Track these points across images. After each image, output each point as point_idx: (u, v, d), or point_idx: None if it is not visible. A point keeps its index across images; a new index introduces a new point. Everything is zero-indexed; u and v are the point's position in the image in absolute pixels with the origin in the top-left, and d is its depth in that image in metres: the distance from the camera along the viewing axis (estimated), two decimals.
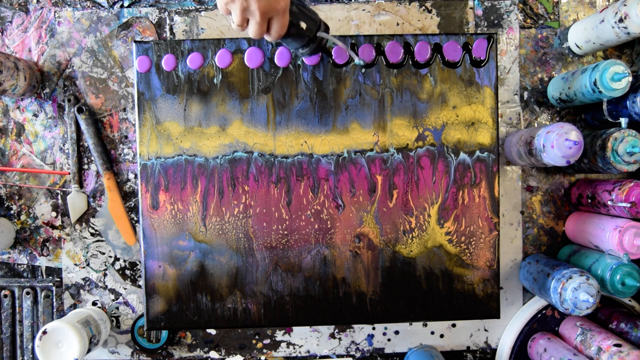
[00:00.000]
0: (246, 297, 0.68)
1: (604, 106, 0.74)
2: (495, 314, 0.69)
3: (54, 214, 0.82)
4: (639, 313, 0.80)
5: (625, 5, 0.66)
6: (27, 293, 0.81)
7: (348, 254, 0.68)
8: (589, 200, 0.76)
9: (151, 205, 0.68)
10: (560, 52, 0.81)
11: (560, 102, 0.78)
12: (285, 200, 0.67)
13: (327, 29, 0.62)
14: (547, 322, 0.81)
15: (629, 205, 0.67)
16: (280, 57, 0.67)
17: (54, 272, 0.82)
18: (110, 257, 0.82)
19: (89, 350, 0.74)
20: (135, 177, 0.82)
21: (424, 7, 0.81)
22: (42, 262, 0.82)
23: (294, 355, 0.84)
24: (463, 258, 0.68)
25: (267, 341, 0.83)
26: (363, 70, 0.67)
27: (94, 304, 0.83)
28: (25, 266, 0.83)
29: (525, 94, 0.82)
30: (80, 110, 0.79)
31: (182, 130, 0.67)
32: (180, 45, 0.67)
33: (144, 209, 0.68)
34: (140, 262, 0.82)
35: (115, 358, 0.83)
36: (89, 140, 0.79)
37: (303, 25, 0.59)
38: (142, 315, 0.83)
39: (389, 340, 0.84)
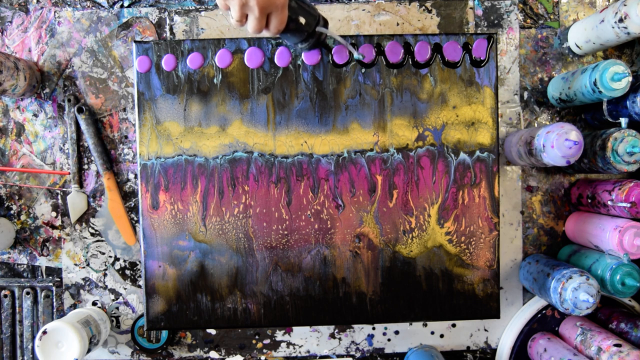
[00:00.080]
0: (246, 297, 0.68)
1: (604, 106, 0.74)
2: (495, 314, 0.69)
3: (54, 214, 0.82)
4: (639, 313, 0.80)
5: (625, 5, 0.66)
6: (27, 293, 0.81)
7: (348, 254, 0.68)
8: (589, 200, 0.76)
9: (151, 205, 0.68)
10: (560, 52, 0.81)
11: (560, 102, 0.78)
12: (285, 200, 0.67)
13: (326, 24, 0.62)
14: (547, 322, 0.81)
15: (629, 205, 0.67)
16: (280, 57, 0.67)
17: (54, 272, 0.82)
18: (110, 257, 0.82)
19: (89, 350, 0.74)
20: (135, 177, 0.82)
21: (424, 7, 0.81)
22: (42, 262, 0.82)
23: (294, 355, 0.84)
24: (463, 258, 0.68)
25: (267, 341, 0.83)
26: (363, 70, 0.67)
27: (94, 304, 0.83)
28: (25, 266, 0.83)
29: (525, 94, 0.82)
30: (80, 110, 0.79)
31: (182, 130, 0.67)
32: (180, 45, 0.67)
33: (144, 209, 0.68)
34: (140, 262, 0.82)
35: (115, 358, 0.83)
36: (89, 140, 0.79)
37: (302, 20, 0.59)
38: (142, 315, 0.83)
39: (389, 340, 0.84)
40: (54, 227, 0.82)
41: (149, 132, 0.67)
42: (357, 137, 0.67)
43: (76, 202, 0.81)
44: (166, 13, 0.81)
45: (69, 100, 0.80)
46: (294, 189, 0.67)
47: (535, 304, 0.81)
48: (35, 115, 0.81)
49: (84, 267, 0.82)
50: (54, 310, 0.82)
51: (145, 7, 0.81)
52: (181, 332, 0.83)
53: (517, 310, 0.83)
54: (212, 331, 0.83)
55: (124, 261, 0.82)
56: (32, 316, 0.81)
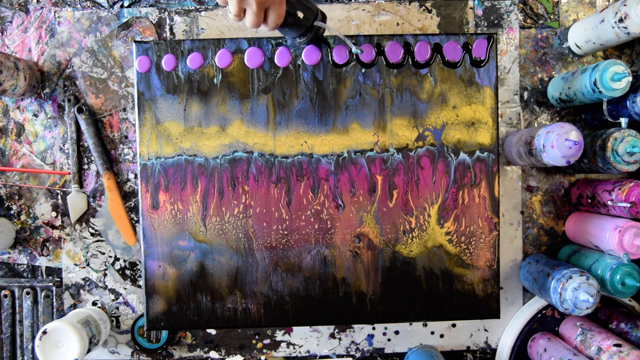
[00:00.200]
0: (246, 297, 0.68)
1: (604, 106, 0.74)
2: (495, 314, 0.69)
3: (54, 214, 0.82)
4: (639, 313, 0.80)
5: (625, 5, 0.66)
6: (27, 293, 0.81)
7: (348, 254, 0.68)
8: (589, 200, 0.76)
9: (151, 205, 0.68)
10: (560, 52, 0.81)
11: (560, 102, 0.78)
12: (285, 200, 0.67)
13: (324, 18, 0.62)
14: (547, 322, 0.81)
15: (629, 205, 0.67)
16: (280, 57, 0.67)
17: (54, 272, 0.82)
18: (110, 257, 0.82)
19: (89, 350, 0.74)
20: (135, 177, 0.82)
21: (424, 7, 0.81)
22: (42, 262, 0.82)
23: (294, 355, 0.84)
24: (463, 258, 0.68)
25: (267, 341, 0.83)
26: (363, 70, 0.67)
27: (94, 304, 0.83)
28: (25, 266, 0.83)
29: (525, 94, 0.82)
30: (80, 110, 0.79)
31: (182, 130, 0.67)
32: (180, 45, 0.67)
33: (144, 209, 0.68)
34: (140, 262, 0.82)
35: (115, 358, 0.83)
36: (89, 140, 0.79)
37: (300, 14, 0.59)
38: (142, 315, 0.83)
39: (389, 340, 0.84)
40: (54, 227, 0.82)
41: (149, 132, 0.67)
42: (357, 137, 0.67)
43: (76, 202, 0.81)
44: (166, 13, 0.81)
45: (69, 100, 0.80)
46: (294, 189, 0.67)
47: (535, 304, 0.81)
48: (35, 115, 0.81)
49: (84, 267, 0.82)
50: (54, 310, 0.82)
51: (145, 7, 0.81)
52: (181, 332, 0.83)
53: (517, 310, 0.83)
54: (212, 331, 0.83)
55: (124, 261, 0.82)
56: (32, 316, 0.81)
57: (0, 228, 0.78)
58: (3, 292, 0.81)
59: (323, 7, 0.81)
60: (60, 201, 0.82)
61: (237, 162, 0.67)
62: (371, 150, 0.67)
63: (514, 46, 0.81)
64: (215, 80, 0.67)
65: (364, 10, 0.81)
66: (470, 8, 0.81)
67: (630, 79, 0.67)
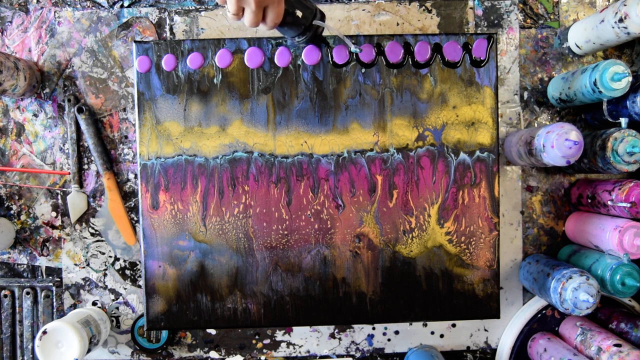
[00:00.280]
0: (246, 297, 0.68)
1: (604, 106, 0.74)
2: (495, 314, 0.69)
3: (54, 214, 0.82)
4: (639, 313, 0.80)
5: (625, 5, 0.66)
6: (27, 293, 0.81)
7: (348, 254, 0.68)
8: (589, 200, 0.76)
9: (151, 205, 0.68)
10: (560, 52, 0.81)
11: (560, 102, 0.78)
12: (285, 200, 0.67)
13: (323, 17, 0.62)
14: (547, 322, 0.81)
15: (629, 205, 0.67)
16: (280, 57, 0.67)
17: (54, 272, 0.82)
18: (110, 257, 0.82)
19: (89, 350, 0.74)
20: (135, 177, 0.82)
21: (424, 7, 0.81)
22: (42, 262, 0.82)
23: (294, 355, 0.84)
24: (463, 258, 0.68)
25: (267, 341, 0.83)
26: (363, 70, 0.67)
27: (94, 304, 0.83)
28: (25, 266, 0.83)
29: (525, 94, 0.82)
30: (80, 110, 0.79)
31: (182, 130, 0.67)
32: (180, 45, 0.67)
33: (144, 209, 0.68)
34: (140, 262, 0.82)
35: (115, 358, 0.83)
36: (89, 140, 0.79)
37: (299, 13, 0.59)
38: (142, 315, 0.83)
39: (389, 340, 0.84)
40: (54, 227, 0.82)
41: (149, 132, 0.67)
42: (357, 137, 0.67)
43: (76, 202, 0.81)
44: (166, 13, 0.81)
45: (69, 100, 0.80)
46: (294, 189, 0.67)
47: (535, 304, 0.81)
48: (35, 115, 0.81)
49: (84, 267, 0.82)
50: (54, 310, 0.82)
51: (145, 7, 0.81)
52: (181, 332, 0.83)
53: (517, 310, 0.83)
54: (212, 331, 0.83)
55: (124, 261, 0.82)
56: (32, 316, 0.81)
57: (0, 228, 0.78)
58: (3, 292, 0.81)
59: (323, 7, 0.81)
60: (60, 201, 0.82)
61: (237, 162, 0.67)
62: (371, 150, 0.67)
63: (514, 46, 0.81)
64: (215, 80, 0.67)
65: (364, 10, 0.81)
66: (470, 8, 0.81)
67: (630, 79, 0.67)
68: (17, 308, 0.82)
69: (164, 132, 0.67)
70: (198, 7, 0.81)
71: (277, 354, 0.84)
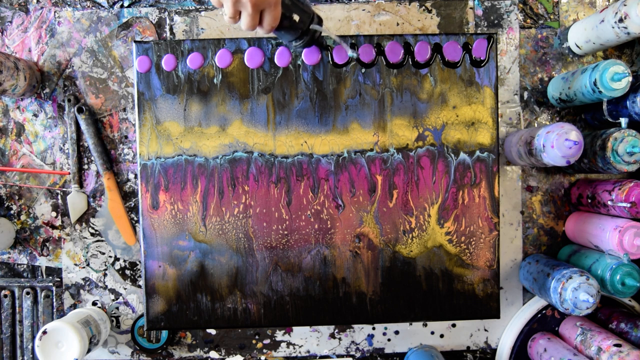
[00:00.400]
0: (246, 297, 0.68)
1: (604, 106, 0.74)
2: (495, 314, 0.69)
3: (54, 214, 0.82)
4: (639, 313, 0.80)
5: (625, 5, 0.66)
6: (27, 293, 0.81)
7: (348, 254, 0.68)
8: (589, 200, 0.76)
9: (151, 205, 0.68)
10: (560, 52, 0.81)
11: (560, 102, 0.78)
12: (285, 200, 0.67)
13: (320, 22, 0.62)
14: (547, 322, 0.81)
15: (629, 205, 0.67)
16: (280, 57, 0.67)
17: (54, 272, 0.82)
18: (110, 257, 0.82)
19: (89, 350, 0.74)
20: (135, 177, 0.82)
21: (424, 7, 0.81)
22: (42, 262, 0.82)
23: (294, 355, 0.84)
24: (463, 258, 0.68)
25: (267, 341, 0.83)
26: (363, 70, 0.67)
27: (94, 304, 0.83)
28: (25, 266, 0.83)
29: (525, 94, 0.82)
30: (80, 110, 0.79)
31: (182, 130, 0.67)
32: (180, 45, 0.67)
33: (144, 209, 0.68)
34: (140, 262, 0.82)
35: (115, 358, 0.83)
36: (89, 140, 0.79)
37: (296, 17, 0.59)
38: (142, 315, 0.83)
39: (389, 340, 0.84)
40: (54, 227, 0.82)
41: (149, 132, 0.67)
42: (357, 137, 0.67)
43: (76, 202, 0.81)
44: (166, 13, 0.81)
45: (69, 100, 0.80)
46: (294, 189, 0.67)
47: (535, 304, 0.81)
48: (35, 115, 0.81)
49: (84, 267, 0.82)
50: (54, 310, 0.82)
51: (145, 7, 0.81)
52: (181, 332, 0.83)
53: (517, 310, 0.83)
54: (212, 331, 0.83)
55: (124, 261, 0.82)
56: (32, 316, 0.81)
57: (0, 228, 0.78)
58: (3, 292, 0.81)
59: (323, 7, 0.81)
60: (60, 201, 0.82)
61: (237, 162, 0.67)
62: (371, 150, 0.67)
63: (514, 46, 0.81)
64: (215, 80, 0.67)
65: (364, 10, 0.81)
66: (470, 8, 0.81)
67: (630, 79, 0.67)
68: (17, 308, 0.82)
69: (164, 132, 0.67)
70: (198, 7, 0.81)
71: (277, 354, 0.84)
